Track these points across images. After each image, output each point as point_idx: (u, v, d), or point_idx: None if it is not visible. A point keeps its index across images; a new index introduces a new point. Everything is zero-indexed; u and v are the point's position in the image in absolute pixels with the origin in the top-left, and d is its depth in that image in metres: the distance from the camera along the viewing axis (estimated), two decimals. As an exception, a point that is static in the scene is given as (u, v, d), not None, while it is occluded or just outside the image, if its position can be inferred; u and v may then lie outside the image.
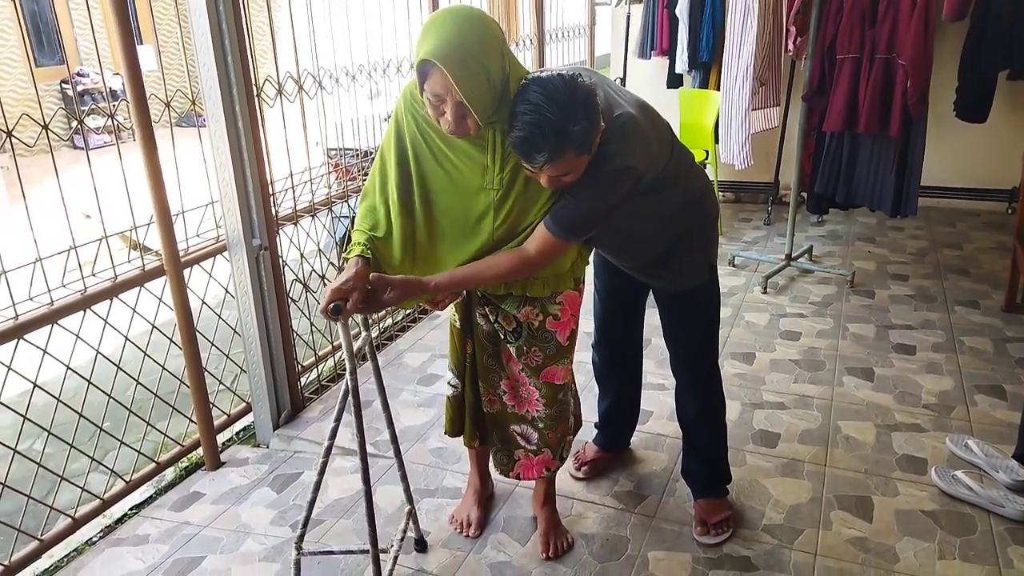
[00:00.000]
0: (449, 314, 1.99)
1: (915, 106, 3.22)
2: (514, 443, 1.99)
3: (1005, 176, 4.62)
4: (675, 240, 1.85)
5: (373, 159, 3.41)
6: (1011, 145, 4.46)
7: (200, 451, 2.62)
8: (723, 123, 3.85)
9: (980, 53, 4.04)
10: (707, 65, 4.71)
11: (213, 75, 2.32)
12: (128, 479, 2.43)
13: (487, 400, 1.97)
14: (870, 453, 2.47)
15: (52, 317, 2.08)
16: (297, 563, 1.88)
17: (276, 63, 2.65)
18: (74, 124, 7.25)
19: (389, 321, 3.55)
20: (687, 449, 2.23)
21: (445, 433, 2.13)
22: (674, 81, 4.99)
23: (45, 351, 2.08)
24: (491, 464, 2.14)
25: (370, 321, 2.13)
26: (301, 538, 1.86)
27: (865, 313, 3.51)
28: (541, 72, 1.56)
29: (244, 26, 2.38)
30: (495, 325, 1.86)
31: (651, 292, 2.09)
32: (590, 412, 2.50)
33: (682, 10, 4.62)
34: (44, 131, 1.97)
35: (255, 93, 2.49)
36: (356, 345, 1.74)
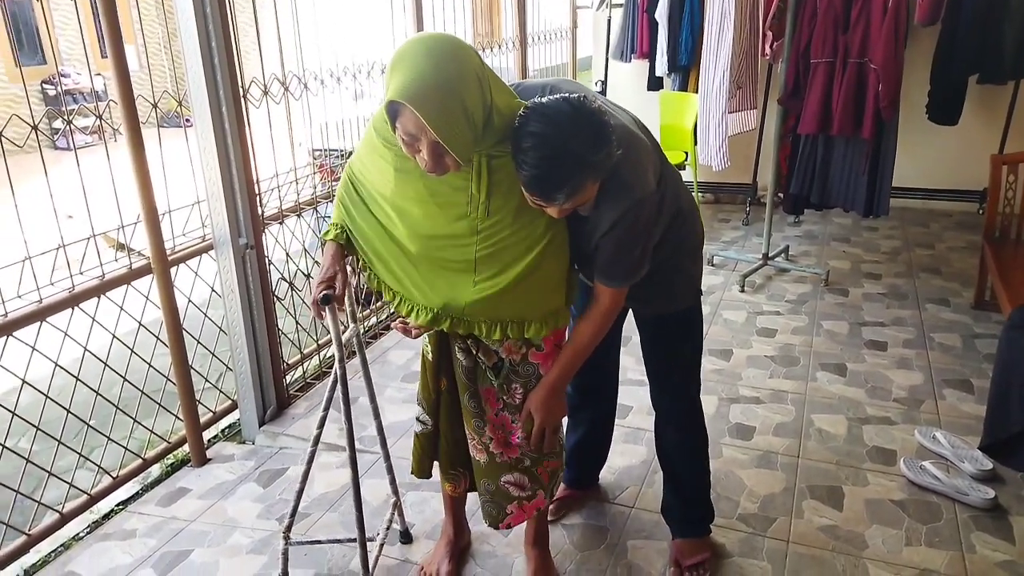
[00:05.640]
0: (421, 343, 1.86)
1: (886, 109, 3.31)
2: (506, 496, 1.80)
3: (976, 177, 4.73)
4: (663, 260, 1.72)
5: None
6: (981, 147, 4.57)
7: (186, 447, 2.65)
8: (701, 125, 3.93)
9: (951, 57, 4.16)
10: (686, 68, 4.80)
11: (200, 75, 2.35)
12: (115, 475, 2.46)
13: (473, 447, 1.81)
14: (842, 445, 2.54)
15: (41, 315, 2.11)
16: (285, 552, 1.92)
17: (262, 64, 2.69)
18: (54, 124, 7.23)
19: (373, 320, 3.59)
20: (666, 484, 2.11)
21: (412, 473, 1.94)
22: (654, 84, 5.07)
23: (34, 348, 2.11)
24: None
25: (359, 316, 2.15)
26: (289, 528, 1.90)
27: (839, 311, 3.60)
28: (543, 99, 1.42)
29: (231, 27, 2.42)
30: (476, 358, 1.72)
31: (633, 317, 1.98)
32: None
33: (661, 14, 4.70)
34: (34, 131, 2.00)
35: (241, 93, 2.52)
36: (344, 337, 1.79)
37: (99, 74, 9.06)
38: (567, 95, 1.42)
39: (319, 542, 2.11)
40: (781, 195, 4.05)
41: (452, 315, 1.61)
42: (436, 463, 1.93)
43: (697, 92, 4.26)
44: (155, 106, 2.39)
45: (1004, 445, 2.20)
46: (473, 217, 1.51)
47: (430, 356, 1.81)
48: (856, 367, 3.06)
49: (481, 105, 1.38)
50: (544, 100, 1.41)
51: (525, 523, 2.01)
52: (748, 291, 3.86)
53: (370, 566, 1.83)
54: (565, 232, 1.61)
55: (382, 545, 1.98)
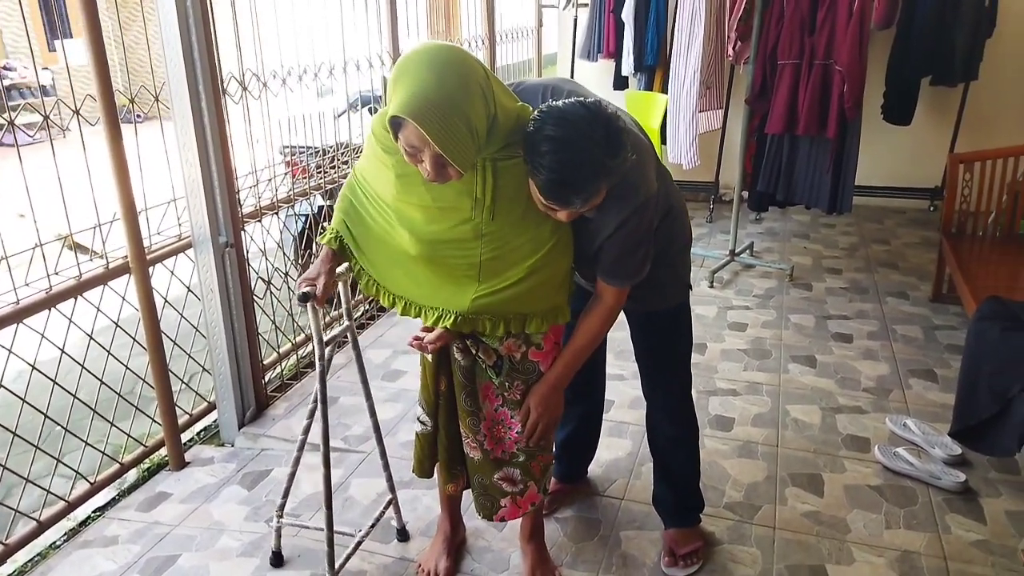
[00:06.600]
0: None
1: (851, 109, 3.42)
2: (499, 491, 1.83)
3: (927, 175, 4.94)
4: (655, 257, 1.69)
5: (330, 157, 3.42)
6: (933, 146, 4.77)
7: (163, 451, 2.59)
8: (671, 124, 3.99)
9: (905, 60, 4.32)
10: (652, 68, 4.87)
11: (180, 70, 2.30)
12: (92, 480, 2.39)
13: (467, 445, 1.83)
14: (817, 434, 2.63)
15: (17, 316, 2.03)
16: (278, 529, 1.96)
17: (240, 60, 2.64)
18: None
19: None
20: (658, 476, 2.15)
21: (413, 472, 1.96)
22: (620, 83, 5.13)
23: (11, 351, 2.03)
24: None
25: (353, 311, 2.16)
26: (282, 508, 1.94)
27: (804, 305, 3.71)
28: (558, 102, 1.41)
29: (211, 21, 2.37)
30: (476, 358, 1.73)
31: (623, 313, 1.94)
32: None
33: (627, 14, 4.77)
34: (10, 125, 1.93)
35: (221, 89, 2.47)
36: (333, 333, 1.88)
37: (46, 68, 8.75)
38: (582, 99, 1.41)
39: (307, 527, 2.11)
40: (744, 192, 4.15)
41: (457, 313, 1.62)
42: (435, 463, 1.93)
43: (662, 91, 4.34)
44: (132, 101, 2.32)
45: (973, 431, 2.30)
46: (477, 221, 1.51)
47: (429, 358, 1.81)
48: (825, 359, 3.16)
49: (484, 116, 1.37)
50: (559, 104, 1.39)
51: (520, 518, 2.02)
52: (717, 286, 3.94)
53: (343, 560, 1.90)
54: (570, 233, 1.62)
55: (359, 543, 2.00)
